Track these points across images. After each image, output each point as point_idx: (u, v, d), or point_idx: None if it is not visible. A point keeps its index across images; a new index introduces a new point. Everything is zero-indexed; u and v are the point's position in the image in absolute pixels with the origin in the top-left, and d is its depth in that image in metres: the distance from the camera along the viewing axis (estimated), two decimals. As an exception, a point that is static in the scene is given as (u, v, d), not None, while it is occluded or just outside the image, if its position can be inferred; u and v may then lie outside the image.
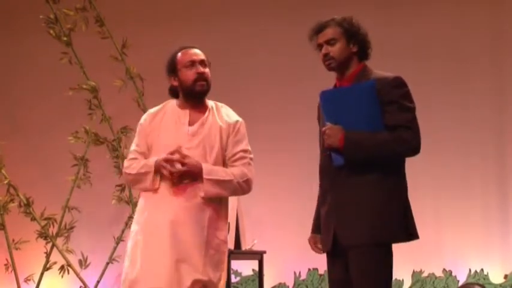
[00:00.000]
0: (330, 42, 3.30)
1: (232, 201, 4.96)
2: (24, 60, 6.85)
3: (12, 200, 5.95)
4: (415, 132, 3.20)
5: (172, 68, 3.70)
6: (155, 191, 3.63)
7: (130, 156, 3.74)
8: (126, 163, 3.73)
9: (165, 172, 3.56)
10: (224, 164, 3.68)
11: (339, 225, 3.20)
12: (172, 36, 5.96)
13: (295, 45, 6.06)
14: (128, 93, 5.90)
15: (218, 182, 3.59)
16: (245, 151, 3.71)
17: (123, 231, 6.00)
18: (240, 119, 3.76)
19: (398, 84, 3.22)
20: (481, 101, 6.17)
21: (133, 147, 3.76)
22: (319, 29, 3.33)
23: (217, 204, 3.63)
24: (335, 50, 3.28)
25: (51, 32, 5.92)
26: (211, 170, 3.59)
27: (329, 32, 3.30)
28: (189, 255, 3.54)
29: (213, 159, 3.64)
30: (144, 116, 3.79)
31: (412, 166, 5.41)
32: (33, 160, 6.68)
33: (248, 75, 6.42)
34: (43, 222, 5.96)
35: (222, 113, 3.75)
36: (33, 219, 5.95)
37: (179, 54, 3.71)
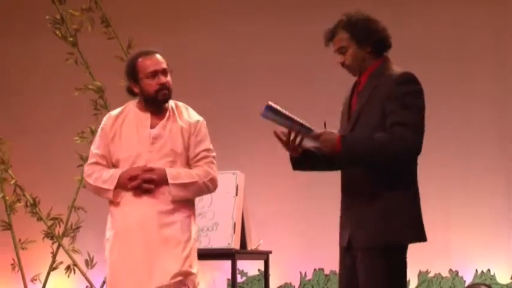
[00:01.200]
0: (341, 50, 3.22)
1: (238, 201, 5.02)
2: (30, 61, 6.86)
3: (18, 200, 5.94)
4: (415, 131, 3.08)
5: (133, 75, 3.74)
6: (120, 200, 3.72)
7: (91, 160, 3.80)
8: (86, 168, 3.80)
9: (130, 187, 3.64)
10: (188, 165, 3.75)
11: (354, 225, 3.18)
12: (178, 36, 6.09)
13: (300, 45, 6.14)
14: None
15: (184, 185, 3.68)
16: (207, 150, 3.78)
17: None
18: (201, 119, 3.80)
19: (404, 81, 3.12)
20: (488, 101, 6.15)
21: (93, 150, 3.81)
22: (330, 37, 3.25)
23: (187, 204, 3.73)
24: (348, 57, 3.21)
25: (57, 32, 5.90)
26: (176, 174, 3.69)
27: (337, 41, 3.22)
28: (163, 253, 3.61)
29: (178, 161, 3.71)
30: (105, 119, 3.85)
31: (419, 167, 5.44)
32: (40, 160, 6.69)
33: (252, 74, 6.41)
34: (49, 222, 5.92)
35: (183, 113, 3.79)
36: (40, 219, 5.92)
37: (139, 60, 3.73)
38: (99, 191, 3.76)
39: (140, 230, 3.63)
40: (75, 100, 5.99)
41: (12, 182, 5.92)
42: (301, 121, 3.13)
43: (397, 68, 3.20)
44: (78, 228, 5.99)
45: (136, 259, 3.63)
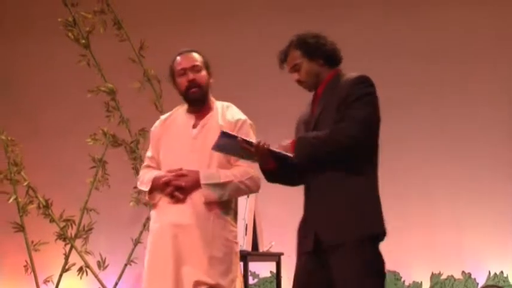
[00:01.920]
0: (295, 68, 3.32)
1: (250, 202, 5.00)
2: (43, 63, 6.88)
3: (31, 202, 5.95)
4: (355, 122, 3.14)
5: (172, 75, 3.76)
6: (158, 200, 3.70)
7: (145, 163, 3.84)
8: (140, 171, 3.83)
9: (165, 194, 3.64)
10: (230, 164, 3.69)
11: (320, 226, 3.19)
12: (190, 37, 6.05)
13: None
14: (145, 95, 5.92)
15: (217, 186, 3.59)
16: None
17: (141, 233, 6.00)
18: (244, 118, 3.75)
19: (358, 82, 3.22)
20: (498, 102, 6.14)
21: (147, 153, 3.85)
22: (283, 59, 3.35)
23: (223, 205, 3.64)
24: (302, 73, 3.31)
25: (70, 34, 5.93)
26: (209, 174, 3.61)
27: (290, 59, 3.32)
28: (192, 257, 3.55)
29: (216, 161, 3.65)
30: (156, 123, 3.86)
31: (432, 168, 5.39)
32: (52, 162, 6.70)
33: (263, 75, 6.41)
34: (62, 224, 5.95)
35: (227, 113, 3.75)
36: (52, 220, 5.94)
37: (174, 61, 3.74)
38: (143, 194, 3.78)
39: (170, 233, 3.58)
40: (87, 102, 6.02)
41: (25, 183, 5.94)
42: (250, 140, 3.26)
43: (352, 73, 3.29)
44: (90, 229, 6.01)
45: (165, 263, 3.57)
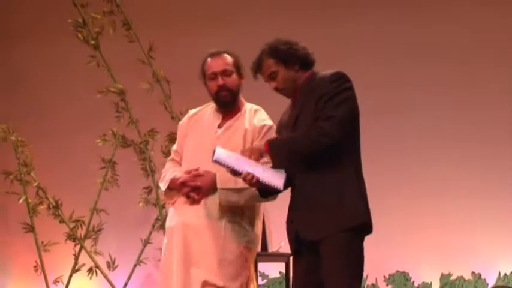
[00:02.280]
0: (271, 76, 3.34)
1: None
2: (52, 64, 6.87)
3: (41, 203, 5.95)
4: (332, 120, 3.16)
5: (203, 76, 3.74)
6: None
7: (170, 156, 3.85)
8: (166, 164, 3.84)
9: (181, 194, 3.65)
10: None
11: (300, 224, 3.23)
12: (199, 39, 6.01)
13: (321, 46, 6.11)
14: (154, 96, 5.90)
15: (233, 191, 3.57)
16: None
17: (150, 234, 5.99)
18: (269, 123, 3.72)
19: (335, 79, 3.24)
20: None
21: (173, 147, 3.87)
22: (257, 69, 3.38)
23: (238, 209, 3.60)
24: (279, 81, 3.33)
25: (79, 35, 5.93)
26: (225, 179, 3.56)
27: (265, 69, 3.34)
28: (202, 258, 3.54)
29: None
30: (184, 117, 3.87)
31: (443, 169, 5.35)
32: (62, 163, 6.69)
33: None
34: (71, 225, 5.95)
35: (254, 116, 3.74)
36: (62, 221, 5.95)
37: (206, 62, 3.73)
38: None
39: (182, 232, 3.59)
40: (97, 103, 6.02)
41: (35, 184, 5.95)
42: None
43: (327, 71, 3.31)
44: (100, 230, 6.01)
45: (175, 262, 3.57)
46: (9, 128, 6.00)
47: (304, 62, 3.35)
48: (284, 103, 3.49)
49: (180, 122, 3.86)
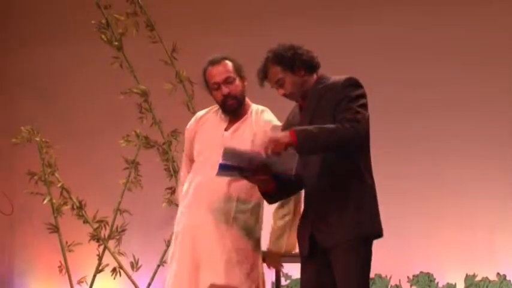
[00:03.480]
0: (278, 83, 3.34)
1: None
2: (76, 65, 6.90)
3: (65, 203, 5.96)
4: (357, 120, 3.19)
5: (206, 85, 3.74)
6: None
7: (183, 159, 3.88)
8: (181, 172, 3.87)
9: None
10: None
11: (316, 228, 3.25)
12: (222, 38, 6.04)
13: (336, 47, 6.06)
14: (177, 97, 5.87)
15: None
16: None
17: (173, 234, 5.98)
18: (277, 123, 3.69)
19: (350, 84, 3.26)
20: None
21: (184, 150, 3.89)
22: (263, 76, 3.38)
23: (244, 210, 3.61)
24: (287, 87, 3.33)
25: (103, 36, 5.92)
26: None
27: (272, 75, 3.33)
28: (209, 260, 3.54)
29: None
30: (191, 120, 3.87)
31: (465, 169, 5.20)
32: (85, 163, 6.72)
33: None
34: (95, 225, 5.95)
35: (261, 118, 3.72)
36: (86, 221, 5.96)
37: (207, 70, 3.71)
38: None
39: (189, 234, 3.62)
40: (120, 104, 6.01)
41: (59, 185, 5.97)
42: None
43: (338, 77, 3.33)
44: (123, 230, 6.02)
45: (183, 264, 3.61)
46: (34, 129, 6.03)
47: (310, 65, 3.35)
48: (287, 100, 3.50)
49: (188, 126, 3.85)
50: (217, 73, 3.67)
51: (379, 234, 3.27)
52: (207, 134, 3.74)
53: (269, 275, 5.98)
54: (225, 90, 3.65)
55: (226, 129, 3.71)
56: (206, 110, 3.85)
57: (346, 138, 3.16)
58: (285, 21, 6.38)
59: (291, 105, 3.52)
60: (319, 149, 3.19)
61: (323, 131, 3.14)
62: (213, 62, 3.69)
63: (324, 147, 3.17)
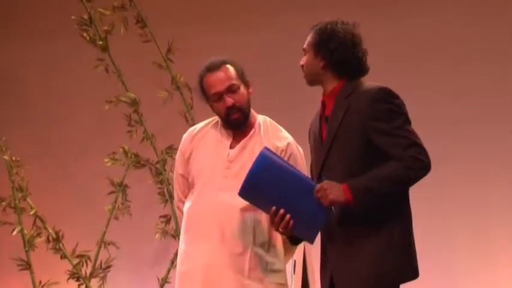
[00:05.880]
0: (304, 50, 3.29)
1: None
2: (52, 69, 6.62)
3: (39, 235, 5.73)
4: (419, 146, 3.07)
5: (203, 94, 3.56)
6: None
7: (175, 179, 3.70)
8: (175, 194, 3.71)
9: None
10: None
11: (336, 270, 3.18)
12: (225, 38, 5.90)
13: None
14: (174, 106, 5.73)
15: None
16: None
17: (168, 271, 5.75)
18: (291, 140, 3.59)
19: (384, 97, 3.10)
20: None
21: (176, 169, 3.73)
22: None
23: (262, 242, 3.47)
24: (304, 61, 3.28)
25: (85, 35, 5.75)
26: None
27: (306, 40, 3.28)
28: None
29: None
30: (184, 136, 3.68)
31: (488, 183, 5.40)
32: (64, 186, 6.47)
33: (300, 74, 6.20)
34: (75, 261, 5.73)
35: (271, 132, 3.59)
36: (64, 256, 5.73)
37: (204, 78, 3.52)
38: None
39: (200, 275, 3.44)
40: (105, 115, 5.87)
41: (32, 212, 5.73)
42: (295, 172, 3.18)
43: (369, 84, 3.20)
44: (108, 267, 5.79)
45: None
46: (2, 146, 5.80)
47: (336, 65, 3.19)
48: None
49: (181, 144, 3.66)
50: (218, 81, 3.47)
51: (408, 280, 3.13)
52: (208, 152, 3.56)
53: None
54: (229, 101, 3.45)
55: (231, 147, 3.53)
56: (202, 123, 3.69)
57: (414, 180, 3.06)
58: (287, 17, 6.17)
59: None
60: (380, 203, 3.08)
61: (383, 180, 3.04)
62: (212, 68, 3.51)
63: (387, 199, 3.09)
